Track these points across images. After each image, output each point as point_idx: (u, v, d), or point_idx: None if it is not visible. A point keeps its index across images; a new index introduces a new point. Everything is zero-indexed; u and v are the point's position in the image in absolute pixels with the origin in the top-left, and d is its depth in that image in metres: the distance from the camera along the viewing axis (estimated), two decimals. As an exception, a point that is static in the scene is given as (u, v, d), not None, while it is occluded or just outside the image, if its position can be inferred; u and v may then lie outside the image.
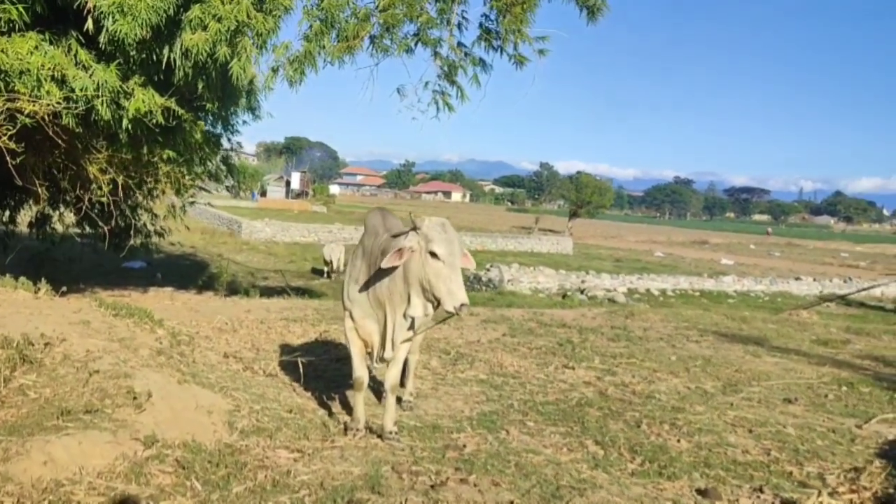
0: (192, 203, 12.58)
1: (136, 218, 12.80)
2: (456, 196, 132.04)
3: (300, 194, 69.68)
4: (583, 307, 14.81)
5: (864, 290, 22.21)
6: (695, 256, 43.67)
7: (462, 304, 4.31)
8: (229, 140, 11.78)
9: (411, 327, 4.87)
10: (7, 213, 13.30)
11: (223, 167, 11.80)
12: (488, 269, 20.59)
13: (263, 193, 67.61)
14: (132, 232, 12.81)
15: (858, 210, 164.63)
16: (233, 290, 15.33)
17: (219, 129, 11.58)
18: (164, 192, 12.58)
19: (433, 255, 4.38)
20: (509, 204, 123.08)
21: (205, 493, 3.26)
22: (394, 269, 4.52)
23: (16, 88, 6.50)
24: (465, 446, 4.62)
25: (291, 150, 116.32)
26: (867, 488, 4.72)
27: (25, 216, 13.89)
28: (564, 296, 18.67)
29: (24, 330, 5.03)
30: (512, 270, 20.37)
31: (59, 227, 14.00)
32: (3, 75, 6.43)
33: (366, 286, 4.82)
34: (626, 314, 12.50)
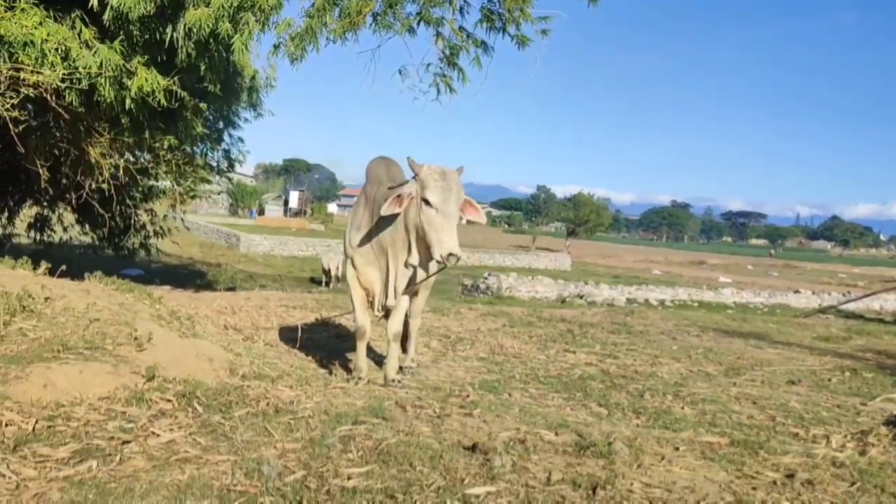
0: (194, 197, 12.57)
1: (136, 217, 12.78)
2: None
3: (298, 213, 69.74)
4: (582, 308, 14.78)
5: (866, 296, 22.20)
6: (692, 275, 43.67)
7: (450, 254, 4.25)
8: (230, 136, 11.85)
9: (413, 277, 4.84)
10: (6, 213, 13.28)
11: (224, 161, 11.83)
12: (486, 278, 20.55)
13: (261, 212, 67.64)
14: (132, 231, 12.81)
15: (855, 235, 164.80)
16: (231, 290, 15.28)
17: (221, 125, 11.66)
18: (163, 193, 12.63)
19: (426, 201, 4.36)
20: (506, 226, 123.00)
21: (206, 414, 3.22)
22: (396, 216, 4.50)
23: (20, 59, 6.52)
24: (468, 396, 4.57)
25: (290, 171, 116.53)
26: (874, 445, 4.66)
27: (25, 218, 13.87)
28: (563, 301, 18.64)
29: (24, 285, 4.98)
30: (510, 279, 20.34)
31: (59, 231, 13.99)
32: (7, 46, 6.44)
33: (368, 234, 4.80)
34: (626, 313, 12.46)
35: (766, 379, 7.13)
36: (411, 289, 4.94)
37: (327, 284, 21.85)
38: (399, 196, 4.40)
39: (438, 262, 4.36)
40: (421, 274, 4.94)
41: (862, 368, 7.98)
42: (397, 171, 5.06)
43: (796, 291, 26.24)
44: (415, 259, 4.51)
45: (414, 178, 4.49)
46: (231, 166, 12.27)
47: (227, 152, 11.85)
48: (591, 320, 11.24)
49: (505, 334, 8.80)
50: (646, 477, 2.64)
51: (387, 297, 4.76)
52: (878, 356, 9.57)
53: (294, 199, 73.42)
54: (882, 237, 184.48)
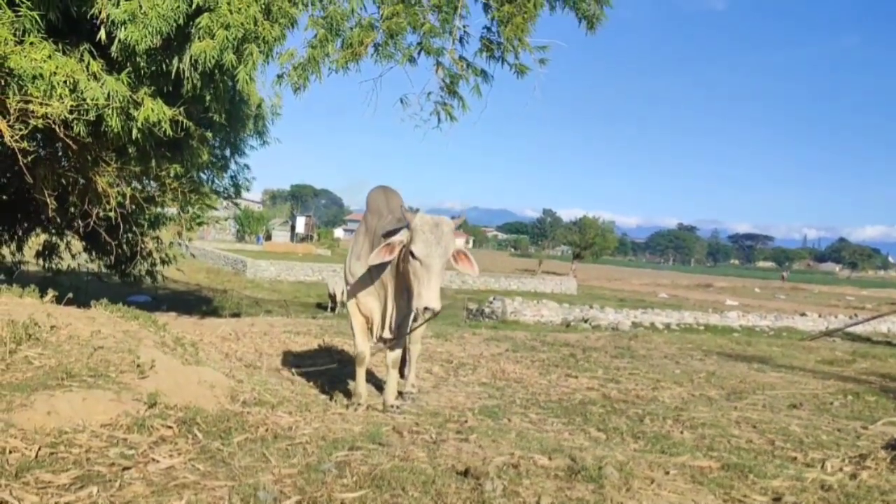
0: (200, 224, 12.71)
1: (143, 244, 12.91)
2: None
3: (305, 238, 70.03)
4: (587, 332, 14.79)
5: (873, 318, 22.13)
6: (699, 298, 43.55)
7: (425, 308, 4.30)
8: (236, 163, 12.00)
9: (407, 317, 4.91)
10: (15, 242, 13.43)
11: (231, 188, 11.98)
12: (491, 302, 20.58)
13: (269, 237, 67.97)
14: (138, 258, 12.93)
15: (863, 257, 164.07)
16: (237, 316, 15.36)
17: (227, 152, 11.82)
18: (170, 220, 12.77)
19: (412, 253, 4.42)
20: (512, 250, 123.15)
21: (206, 441, 3.28)
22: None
23: (29, 92, 6.66)
24: (466, 421, 4.62)
25: (297, 197, 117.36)
26: (869, 469, 4.67)
27: (33, 246, 14.01)
28: (568, 325, 18.65)
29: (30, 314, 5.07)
30: (515, 303, 20.36)
31: (67, 259, 14.13)
32: (17, 79, 6.59)
33: (367, 263, 4.87)
34: (630, 336, 12.47)
35: (767, 403, 7.13)
36: (405, 330, 5.01)
37: (332, 310, 21.92)
38: (389, 244, 4.47)
39: (414, 312, 4.42)
40: (413, 316, 5.01)
41: (865, 392, 7.96)
42: (397, 201, 5.13)
43: (803, 314, 26.16)
44: (406, 302, 4.59)
45: (408, 224, 4.55)
46: (237, 193, 12.42)
47: (233, 179, 12.02)
48: (594, 344, 11.26)
49: (507, 359, 8.84)
50: (633, 501, 2.69)
51: (383, 329, 4.83)
52: (882, 379, 9.54)
53: (301, 224, 73.80)
54: (891, 259, 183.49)
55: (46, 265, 13.83)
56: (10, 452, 2.89)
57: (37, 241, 13.77)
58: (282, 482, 2.82)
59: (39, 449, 2.96)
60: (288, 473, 2.90)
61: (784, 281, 76.40)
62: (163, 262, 13.62)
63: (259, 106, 11.60)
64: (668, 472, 3.19)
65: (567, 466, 3.12)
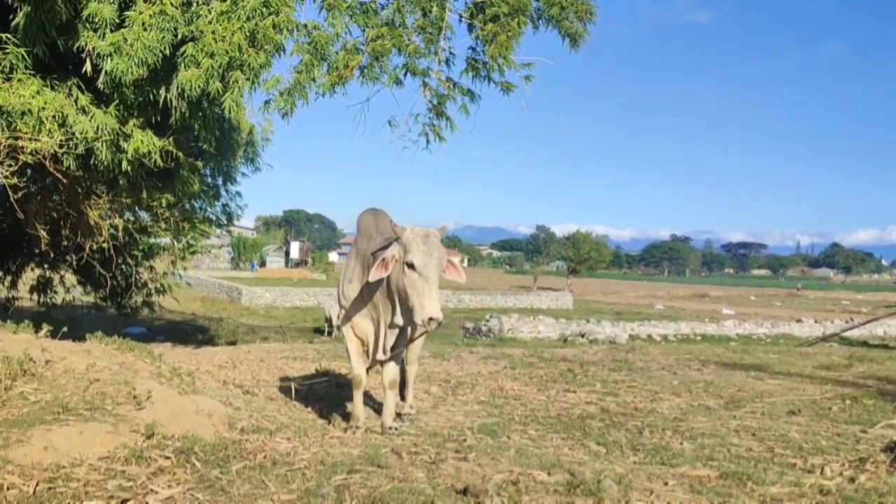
0: (194, 253, 12.71)
1: (137, 275, 12.88)
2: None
3: (300, 263, 69.94)
4: (584, 347, 14.78)
5: (868, 322, 22.15)
6: (696, 308, 43.59)
7: (431, 318, 4.29)
8: (227, 191, 12.02)
9: (401, 336, 4.91)
10: (9, 278, 13.39)
11: (223, 217, 12.00)
12: (488, 320, 20.55)
13: (263, 264, 67.88)
14: (133, 289, 12.90)
15: (857, 261, 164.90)
16: (233, 344, 15.33)
17: (219, 181, 11.85)
18: (164, 250, 12.78)
19: (409, 265, 4.43)
20: (507, 267, 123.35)
21: (204, 469, 3.27)
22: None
23: (18, 128, 6.68)
24: (465, 440, 4.61)
25: (290, 222, 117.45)
26: (869, 472, 4.68)
27: (27, 281, 13.98)
28: (565, 340, 18.62)
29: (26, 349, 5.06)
30: (512, 320, 20.31)
31: (61, 293, 14.09)
32: (5, 115, 6.61)
33: (360, 286, 4.89)
34: (627, 349, 12.49)
35: (766, 410, 7.14)
36: (400, 349, 5.01)
37: (329, 334, 21.85)
38: (384, 260, 4.50)
39: (419, 325, 4.41)
40: (410, 332, 5.02)
41: (863, 395, 7.98)
42: (386, 222, 5.15)
43: (798, 320, 26.17)
44: (399, 319, 4.60)
45: (397, 240, 4.57)
46: (230, 221, 12.44)
47: (225, 207, 12.04)
48: (591, 359, 11.27)
49: (505, 376, 8.83)
50: (633, 513, 2.70)
51: (377, 352, 4.84)
52: (879, 382, 9.56)
53: (295, 249, 73.74)
54: (884, 262, 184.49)
55: (41, 300, 13.79)
56: (8, 489, 2.88)
57: (31, 276, 13.74)
58: (281, 508, 2.82)
59: (37, 484, 2.96)
60: (287, 499, 2.90)
61: (799, 290, 76.45)
62: (158, 292, 13.59)
63: (250, 132, 11.67)
64: (666, 483, 3.19)
65: (566, 481, 3.13)
